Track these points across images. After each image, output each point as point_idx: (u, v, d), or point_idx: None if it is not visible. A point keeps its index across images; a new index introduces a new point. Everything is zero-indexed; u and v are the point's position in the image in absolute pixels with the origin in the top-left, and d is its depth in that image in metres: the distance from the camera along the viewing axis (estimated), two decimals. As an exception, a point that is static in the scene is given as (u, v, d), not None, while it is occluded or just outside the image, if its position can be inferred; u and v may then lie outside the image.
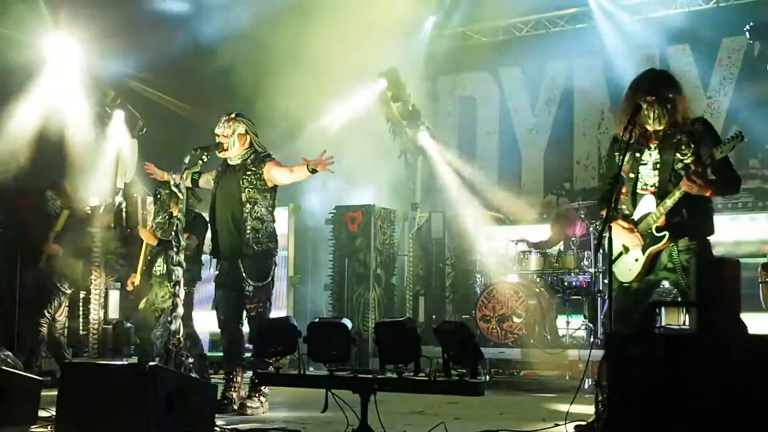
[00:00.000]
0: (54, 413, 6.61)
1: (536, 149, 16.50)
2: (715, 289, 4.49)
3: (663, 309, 7.06)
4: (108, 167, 13.96)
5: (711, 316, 4.33)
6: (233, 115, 8.55)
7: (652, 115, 6.45)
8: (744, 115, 14.06)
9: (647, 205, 6.57)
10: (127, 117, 14.28)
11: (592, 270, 11.99)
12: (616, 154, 6.68)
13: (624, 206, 6.66)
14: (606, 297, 6.75)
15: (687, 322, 10.09)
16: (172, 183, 8.35)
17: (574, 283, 12.54)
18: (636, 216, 6.61)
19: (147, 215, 10.47)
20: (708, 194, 6.37)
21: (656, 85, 6.56)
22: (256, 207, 8.38)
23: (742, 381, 3.77)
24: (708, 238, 6.57)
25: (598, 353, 7.20)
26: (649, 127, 6.54)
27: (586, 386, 9.26)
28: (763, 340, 4.06)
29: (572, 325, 12.34)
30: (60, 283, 11.10)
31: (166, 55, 14.65)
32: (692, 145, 6.46)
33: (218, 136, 8.47)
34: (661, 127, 6.52)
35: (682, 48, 15.13)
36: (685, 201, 6.39)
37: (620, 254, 6.60)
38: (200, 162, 8.20)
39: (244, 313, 8.40)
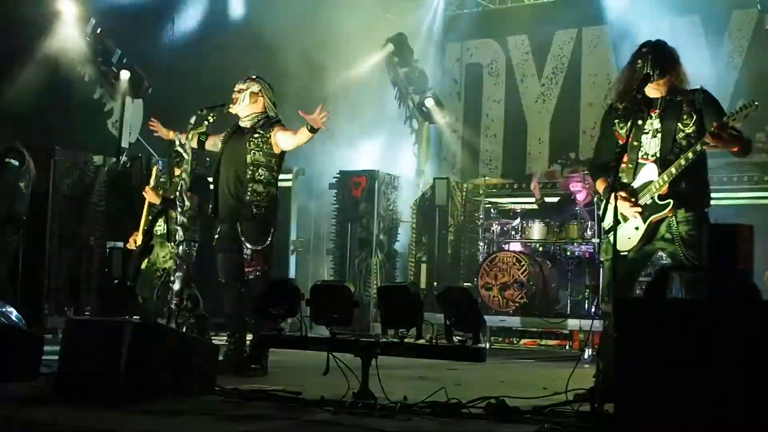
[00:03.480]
0: (56, 369, 6.63)
1: (542, 118, 16.47)
2: (729, 255, 4.48)
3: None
4: (113, 126, 13.95)
5: (724, 281, 4.32)
6: (254, 76, 8.56)
7: (647, 65, 6.41)
8: (753, 88, 14.02)
9: (648, 173, 6.54)
10: (133, 76, 14.26)
11: (594, 240, 11.98)
12: (616, 122, 6.67)
13: (624, 175, 6.63)
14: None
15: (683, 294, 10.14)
16: (177, 143, 8.34)
17: (576, 253, 12.55)
18: (635, 185, 6.59)
19: (149, 176, 10.41)
20: (735, 150, 6.34)
21: (652, 45, 6.57)
22: (260, 170, 8.35)
23: (756, 347, 3.76)
24: (706, 210, 6.57)
25: (599, 323, 7.19)
26: (650, 92, 6.52)
27: (586, 356, 9.28)
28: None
29: (573, 295, 12.36)
30: None
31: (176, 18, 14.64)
32: (694, 115, 6.45)
33: (234, 91, 8.48)
34: (661, 92, 6.50)
35: (692, 19, 15.06)
36: (687, 171, 6.38)
37: (618, 223, 6.58)
38: (206, 122, 8.16)
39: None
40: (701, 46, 14.79)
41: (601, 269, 7.03)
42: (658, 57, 6.48)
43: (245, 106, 8.43)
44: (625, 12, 15.48)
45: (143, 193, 10.29)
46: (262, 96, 8.50)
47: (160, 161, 10.37)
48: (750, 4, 14.16)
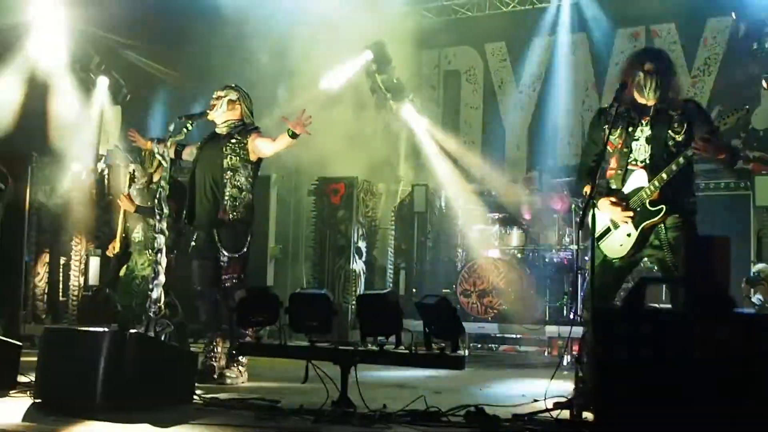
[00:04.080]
0: (33, 379, 6.60)
1: (520, 125, 16.52)
2: (705, 266, 4.50)
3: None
4: (91, 133, 13.91)
5: (700, 292, 4.34)
6: (232, 84, 8.59)
7: (648, 85, 6.45)
8: (728, 95, 14.11)
9: (638, 179, 6.56)
10: (112, 83, 14.22)
11: (573, 247, 12.01)
12: (605, 127, 6.69)
13: (613, 181, 6.65)
14: (586, 274, 6.74)
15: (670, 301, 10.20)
16: (156, 151, 8.31)
17: (555, 260, 12.58)
18: (625, 191, 6.61)
19: (124, 182, 10.37)
20: (720, 157, 6.38)
21: (656, 58, 6.57)
22: (236, 175, 8.34)
23: (730, 357, 3.78)
24: (693, 217, 6.60)
25: (577, 330, 7.22)
26: (642, 100, 6.54)
27: (565, 363, 9.30)
28: (752, 318, 4.07)
29: (552, 302, 12.38)
30: None
31: (152, 23, 14.59)
32: (685, 124, 6.48)
33: (212, 98, 8.50)
34: (653, 102, 6.53)
35: (668, 26, 15.16)
36: (678, 177, 6.40)
37: (607, 230, 6.60)
38: (185, 130, 8.13)
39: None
40: (677, 54, 14.87)
41: (586, 276, 7.02)
42: (662, 73, 6.49)
43: (222, 113, 8.43)
44: (602, 19, 15.55)
45: (118, 200, 10.25)
46: (240, 104, 8.51)
47: (134, 168, 10.30)
48: (725, 12, 14.25)
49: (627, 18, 15.49)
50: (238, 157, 8.36)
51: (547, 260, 12.69)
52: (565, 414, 5.68)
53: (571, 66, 16.00)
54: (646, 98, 6.50)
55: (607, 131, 6.64)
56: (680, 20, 15.03)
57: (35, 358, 6.58)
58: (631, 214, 6.51)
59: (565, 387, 6.52)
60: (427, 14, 17.15)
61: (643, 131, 6.59)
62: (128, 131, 9.34)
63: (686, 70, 14.80)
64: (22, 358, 7.20)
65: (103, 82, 14.19)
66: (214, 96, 8.52)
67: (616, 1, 15.62)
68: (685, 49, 14.97)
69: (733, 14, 13.84)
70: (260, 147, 8.40)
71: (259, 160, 8.52)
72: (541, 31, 16.29)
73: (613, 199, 6.50)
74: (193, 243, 8.57)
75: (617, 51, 15.37)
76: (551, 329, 11.70)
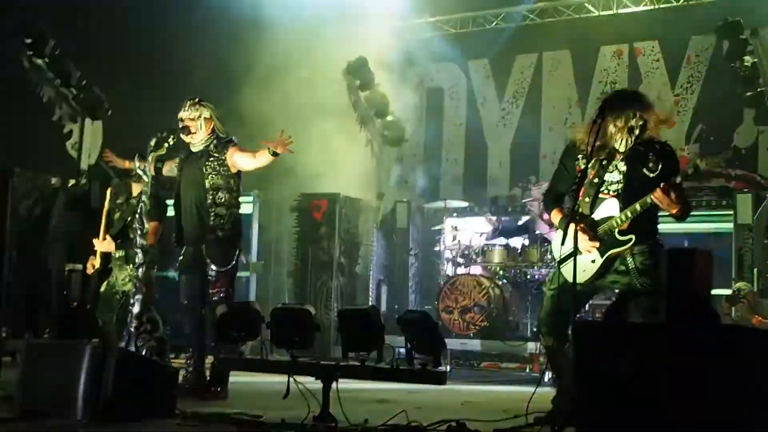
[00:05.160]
0: (14, 393, 6.57)
1: (503, 142, 16.56)
2: (687, 280, 4.51)
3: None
4: (72, 148, 13.88)
5: (682, 306, 4.35)
6: (197, 99, 8.51)
7: (620, 139, 6.47)
8: (711, 113, 14.20)
9: (609, 208, 6.56)
10: (93, 98, 14.20)
11: (555, 264, 12.02)
12: (579, 157, 6.66)
13: (580, 208, 6.64)
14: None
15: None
16: (137, 166, 8.28)
17: (536, 277, 12.59)
18: (596, 218, 6.61)
19: (106, 203, 10.29)
20: (673, 211, 6.38)
21: (625, 108, 6.54)
22: (220, 193, 8.33)
23: (713, 371, 3.79)
24: (658, 240, 6.63)
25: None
26: (615, 144, 6.55)
27: (546, 379, 9.30)
28: (735, 330, 4.08)
29: (533, 319, 12.38)
30: None
31: (134, 39, 14.60)
32: (660, 164, 6.48)
33: (183, 120, 8.40)
34: (626, 147, 6.54)
35: (651, 44, 15.24)
36: (647, 211, 6.42)
37: (571, 254, 6.59)
38: (166, 145, 8.11)
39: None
40: (660, 71, 14.96)
41: (543, 299, 7.00)
42: (642, 119, 6.48)
43: (202, 134, 8.40)
44: (585, 37, 15.62)
45: (94, 242, 10.17)
46: (212, 119, 8.48)
47: (116, 183, 10.26)
48: (708, 30, 14.32)
49: (610, 35, 15.57)
50: (219, 175, 8.34)
51: (529, 277, 12.70)
52: (547, 429, 5.68)
53: (555, 83, 16.05)
54: (618, 146, 6.51)
55: (581, 161, 6.64)
56: (664, 38, 15.12)
57: (16, 373, 6.57)
58: (596, 245, 6.51)
59: (546, 403, 6.52)
60: (411, 31, 17.16)
61: (618, 166, 6.59)
62: (104, 152, 9.32)
63: (669, 88, 14.89)
64: (2, 372, 7.17)
65: (84, 97, 14.15)
66: (185, 117, 8.40)
67: (600, 19, 15.70)
68: (668, 67, 15.07)
69: (716, 32, 13.90)
70: (239, 162, 8.39)
71: (240, 171, 8.51)
72: (524, 48, 16.35)
73: (582, 226, 6.48)
74: (180, 257, 8.56)
75: (600, 68, 15.45)
76: (533, 346, 11.69)
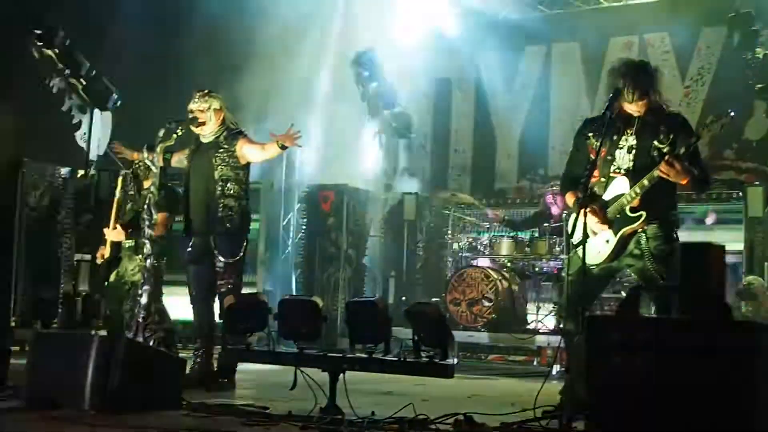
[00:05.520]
0: (23, 383, 6.59)
1: (511, 134, 16.50)
2: (700, 274, 4.50)
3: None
4: (81, 139, 13.89)
5: (695, 301, 4.34)
6: (206, 91, 8.51)
7: (629, 95, 6.44)
8: (721, 105, 14.14)
9: (619, 187, 6.58)
10: (102, 89, 14.20)
11: (563, 256, 12.00)
12: (590, 135, 6.70)
13: (596, 189, 6.65)
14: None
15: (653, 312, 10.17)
16: (145, 157, 8.28)
17: (545, 269, 12.58)
18: (606, 197, 6.62)
19: (117, 193, 10.27)
20: (683, 182, 6.39)
21: (635, 69, 6.57)
22: (229, 185, 8.34)
23: (727, 366, 3.78)
24: (675, 228, 6.62)
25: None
26: (628, 107, 6.54)
27: (554, 372, 9.29)
28: (747, 325, 4.06)
29: (542, 311, 12.37)
30: None
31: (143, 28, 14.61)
32: (671, 136, 6.49)
33: (193, 111, 8.40)
34: (640, 111, 6.52)
35: (661, 36, 15.17)
36: (659, 186, 6.41)
37: (586, 237, 6.59)
38: (175, 135, 8.11)
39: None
40: (670, 63, 14.90)
41: (564, 285, 7.00)
42: (639, 79, 6.48)
43: (212, 125, 8.40)
44: (595, 28, 15.56)
45: (105, 233, 10.17)
46: (222, 110, 8.48)
47: (126, 174, 10.25)
48: (718, 21, 14.27)
49: (620, 27, 15.51)
50: (228, 167, 8.35)
51: (537, 269, 12.68)
52: (555, 423, 5.67)
53: (563, 75, 16.00)
54: (629, 102, 6.49)
55: (592, 139, 6.66)
56: (674, 29, 15.02)
57: (24, 362, 6.58)
58: (605, 228, 6.51)
59: (554, 396, 6.52)
60: (420, 22, 17.10)
61: (628, 140, 6.60)
62: (113, 144, 9.31)
63: (679, 79, 14.83)
64: (11, 362, 7.19)
65: (93, 88, 14.15)
66: (195, 108, 8.40)
67: (610, 10, 15.65)
68: (678, 58, 14.99)
69: (727, 23, 13.84)
70: (248, 154, 8.40)
71: (249, 163, 8.52)
72: (534, 40, 16.30)
73: (593, 207, 6.48)
74: (189, 249, 8.57)
75: (610, 60, 15.37)
76: (541, 339, 11.68)
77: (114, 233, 9.90)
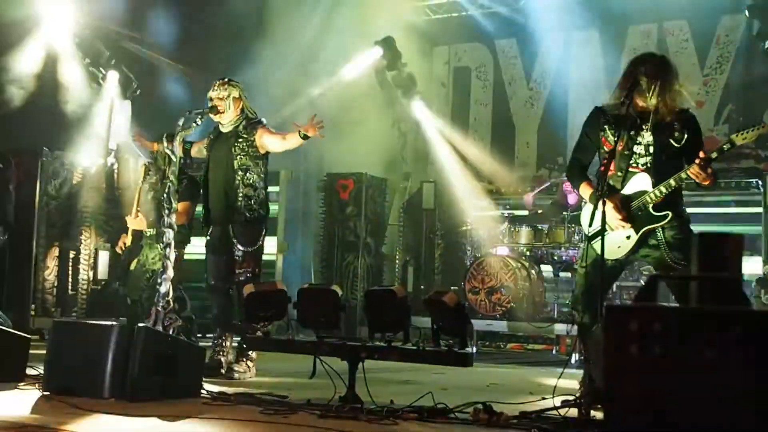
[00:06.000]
0: (42, 371, 6.63)
1: (530, 122, 16.47)
2: (718, 264, 4.48)
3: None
4: (101, 128, 13.93)
5: (713, 290, 4.32)
6: (226, 80, 8.52)
7: (650, 90, 6.42)
8: (740, 94, 14.08)
9: (640, 183, 6.56)
10: (121, 78, 14.24)
11: (582, 245, 11.96)
12: (605, 127, 6.68)
13: (612, 182, 6.63)
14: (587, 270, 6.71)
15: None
16: (165, 146, 8.30)
17: (564, 257, 12.55)
18: (625, 192, 6.61)
19: (140, 181, 10.30)
20: (706, 183, 6.39)
21: (656, 64, 6.55)
22: (248, 174, 8.35)
23: (746, 356, 3.76)
24: (688, 216, 6.63)
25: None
26: (643, 104, 6.52)
27: (573, 361, 9.28)
28: (766, 314, 4.04)
29: (560, 300, 12.36)
30: None
31: (162, 17, 14.63)
32: (686, 133, 6.48)
33: (212, 99, 8.41)
34: (654, 106, 6.50)
35: (680, 24, 15.10)
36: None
37: (604, 230, 6.57)
38: (194, 124, 8.12)
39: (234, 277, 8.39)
40: (689, 52, 14.83)
41: (576, 276, 7.00)
42: (662, 77, 6.46)
43: (231, 113, 8.41)
44: (614, 16, 15.48)
45: (126, 221, 10.20)
46: (241, 99, 8.48)
47: (147, 163, 10.27)
48: (738, 9, 14.18)
49: (639, 15, 15.42)
50: (247, 156, 8.37)
51: (556, 258, 12.66)
52: (574, 412, 5.66)
53: (582, 63, 15.94)
54: (648, 102, 6.48)
55: (608, 132, 6.64)
56: (693, 18, 14.94)
57: (44, 351, 6.61)
58: (627, 225, 6.50)
59: (573, 385, 6.52)
60: (438, 10, 17.10)
61: (644, 136, 6.57)
62: (133, 134, 9.34)
63: (698, 68, 14.76)
64: (31, 351, 7.22)
65: (112, 77, 14.20)
66: (214, 96, 8.41)
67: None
68: (697, 47, 14.92)
69: (746, 11, 13.73)
70: (268, 143, 8.41)
71: (267, 153, 8.53)
72: (552, 28, 16.23)
73: (615, 203, 6.48)
74: (207, 238, 8.61)
75: (629, 48, 15.31)
76: (560, 327, 11.67)
77: (135, 221, 9.94)
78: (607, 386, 3.94)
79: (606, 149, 6.60)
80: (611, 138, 6.58)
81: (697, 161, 6.26)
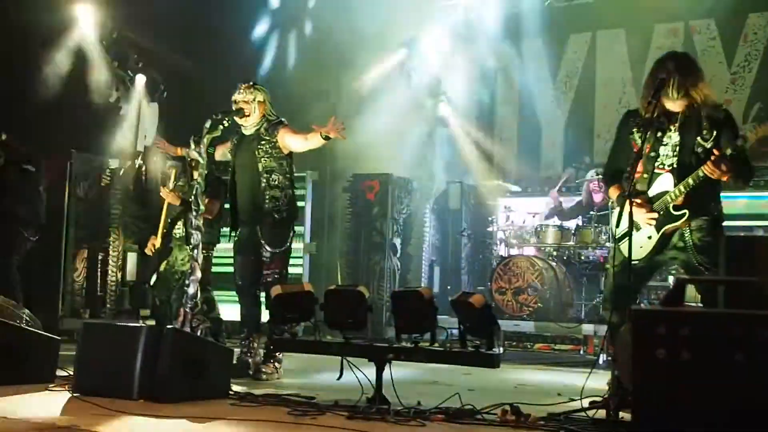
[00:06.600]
0: (71, 372, 6.67)
1: (556, 122, 16.41)
2: (747, 267, 4.48)
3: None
4: (129, 130, 14.01)
5: (741, 293, 4.32)
6: (252, 83, 8.55)
7: (672, 87, 6.40)
8: (768, 93, 14.02)
9: (664, 183, 6.57)
10: (149, 81, 14.32)
11: (609, 245, 11.93)
12: (634, 130, 6.69)
13: (639, 184, 6.62)
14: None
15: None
16: (192, 148, 8.32)
17: (591, 258, 12.49)
18: (651, 194, 6.61)
19: (167, 179, 10.37)
20: (725, 179, 6.36)
21: (677, 60, 6.53)
22: (273, 176, 8.37)
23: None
24: (719, 221, 6.60)
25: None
26: (669, 105, 6.51)
27: (601, 361, 9.26)
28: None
29: (588, 300, 12.33)
30: None
31: (189, 20, 14.69)
32: (714, 131, 6.47)
33: (237, 102, 8.44)
34: (681, 107, 6.50)
35: (707, 22, 15.03)
36: (702, 183, 6.39)
37: (632, 232, 6.58)
38: (221, 127, 8.14)
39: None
40: (716, 50, 14.77)
41: (605, 277, 7.01)
42: (684, 73, 6.45)
43: (256, 117, 8.44)
44: (640, 15, 15.43)
45: (161, 194, 10.23)
46: (266, 102, 8.51)
47: (176, 165, 10.31)
48: (766, 7, 14.11)
49: (665, 13, 15.35)
50: (271, 158, 8.39)
51: (583, 258, 12.61)
52: (602, 413, 5.66)
53: (608, 62, 15.89)
54: (672, 99, 6.46)
55: (635, 135, 6.64)
56: (720, 16, 14.85)
57: (74, 353, 6.66)
58: (654, 215, 6.51)
59: (601, 386, 6.51)
60: (465, 11, 17.06)
61: (671, 137, 6.58)
62: (155, 143, 9.37)
63: (725, 66, 14.68)
64: (60, 353, 7.28)
65: (140, 80, 14.29)
66: (239, 100, 8.43)
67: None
68: (724, 45, 14.84)
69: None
70: (291, 144, 8.41)
71: (291, 152, 8.54)
72: (578, 28, 16.20)
73: (639, 201, 6.48)
74: (236, 239, 8.64)
75: (655, 47, 15.24)
76: (587, 328, 11.63)
77: (171, 195, 9.90)
78: (635, 389, 3.94)
79: (634, 151, 6.60)
80: (639, 140, 6.58)
81: (711, 158, 6.26)
